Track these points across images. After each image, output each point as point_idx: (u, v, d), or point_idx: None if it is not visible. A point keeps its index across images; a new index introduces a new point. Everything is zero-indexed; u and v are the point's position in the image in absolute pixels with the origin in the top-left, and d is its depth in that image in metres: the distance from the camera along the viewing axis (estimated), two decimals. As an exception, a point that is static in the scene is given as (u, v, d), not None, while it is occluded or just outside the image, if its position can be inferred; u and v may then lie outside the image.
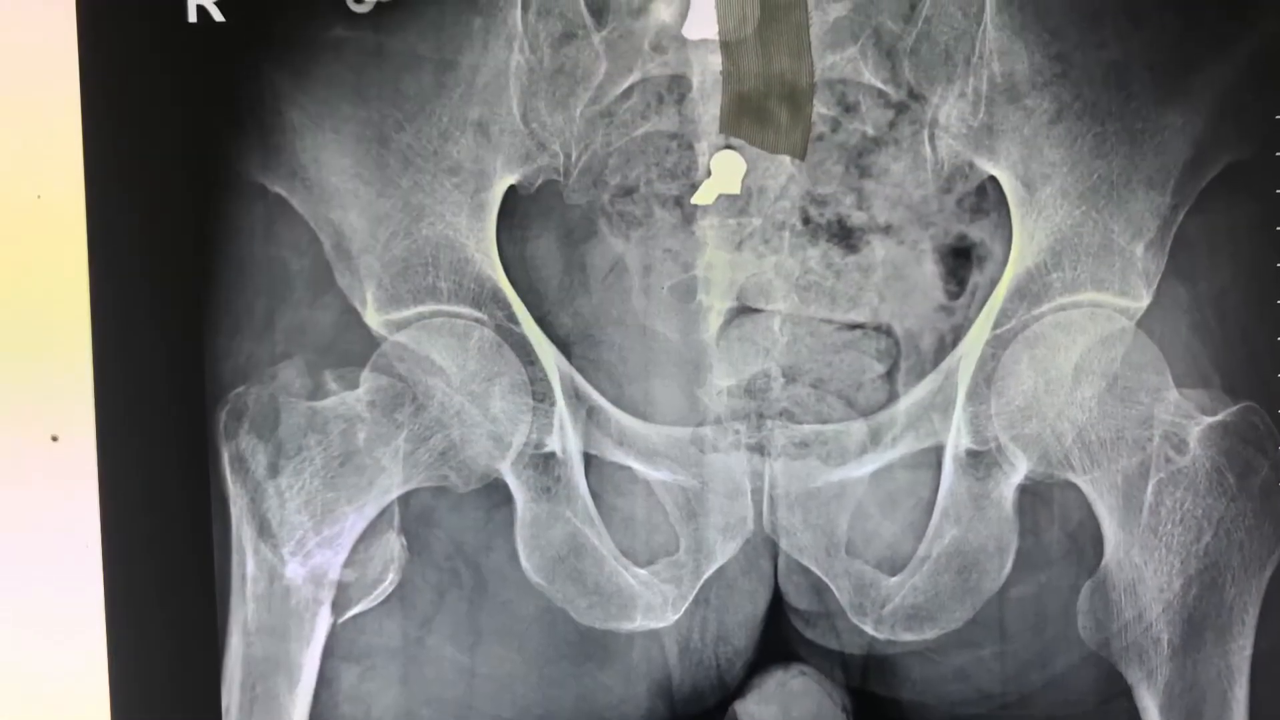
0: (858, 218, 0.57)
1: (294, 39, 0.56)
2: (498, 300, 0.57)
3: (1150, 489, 0.57)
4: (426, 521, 0.58)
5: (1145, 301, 0.56)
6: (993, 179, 0.56)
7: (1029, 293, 0.57)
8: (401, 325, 0.57)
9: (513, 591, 0.58)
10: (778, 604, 0.58)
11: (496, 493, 0.58)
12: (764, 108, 0.56)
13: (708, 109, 0.56)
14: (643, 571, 0.58)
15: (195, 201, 0.57)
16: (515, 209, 0.57)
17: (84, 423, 0.57)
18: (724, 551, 0.58)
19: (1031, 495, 0.57)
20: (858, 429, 0.57)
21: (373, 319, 0.57)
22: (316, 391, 0.57)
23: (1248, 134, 0.56)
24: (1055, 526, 0.57)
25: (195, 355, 0.57)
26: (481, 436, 0.58)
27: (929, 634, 0.58)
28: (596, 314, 0.57)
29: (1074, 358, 0.57)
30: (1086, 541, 0.57)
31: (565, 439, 0.58)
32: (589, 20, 0.56)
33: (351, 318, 0.57)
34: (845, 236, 0.57)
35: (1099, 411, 0.57)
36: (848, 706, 0.58)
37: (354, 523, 0.58)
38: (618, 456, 0.58)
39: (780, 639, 0.58)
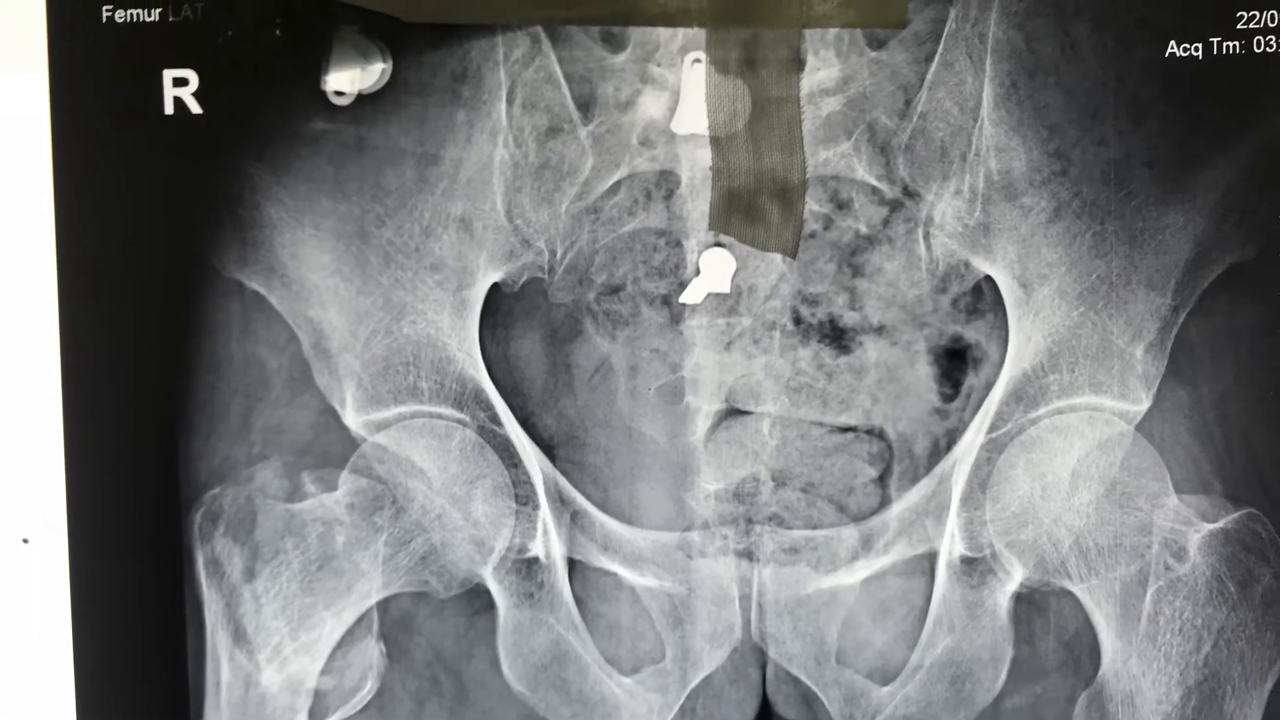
0: (850, 318, 0.55)
1: (273, 132, 0.55)
2: (480, 401, 0.56)
3: (1149, 597, 0.55)
4: (406, 627, 0.56)
5: (1145, 405, 0.55)
6: (989, 279, 0.55)
7: (1025, 395, 0.55)
8: (381, 426, 0.56)
9: (494, 700, 0.57)
10: (766, 713, 0.57)
11: (478, 598, 0.56)
12: (755, 204, 0.55)
13: (697, 205, 0.55)
14: (628, 680, 0.57)
15: (170, 298, 0.55)
16: (499, 307, 0.56)
17: (55, 525, 0.56)
18: (711, 660, 0.56)
19: (1027, 603, 0.56)
20: (849, 535, 0.56)
21: (352, 419, 0.56)
22: (294, 493, 0.56)
23: (1251, 235, 0.54)
24: (1051, 636, 0.56)
25: (169, 456, 0.56)
26: (463, 540, 0.56)
27: (921, 745, 0.56)
28: (582, 416, 0.56)
29: (1071, 463, 0.55)
30: (1083, 651, 0.56)
31: (549, 544, 0.56)
32: (575, 114, 0.55)
33: (330, 418, 0.56)
34: (837, 337, 0.55)
35: (1097, 518, 0.55)
36: (838, 816, 0.57)
37: (332, 628, 0.56)
38: (603, 562, 0.56)
39: (769, 749, 0.57)
